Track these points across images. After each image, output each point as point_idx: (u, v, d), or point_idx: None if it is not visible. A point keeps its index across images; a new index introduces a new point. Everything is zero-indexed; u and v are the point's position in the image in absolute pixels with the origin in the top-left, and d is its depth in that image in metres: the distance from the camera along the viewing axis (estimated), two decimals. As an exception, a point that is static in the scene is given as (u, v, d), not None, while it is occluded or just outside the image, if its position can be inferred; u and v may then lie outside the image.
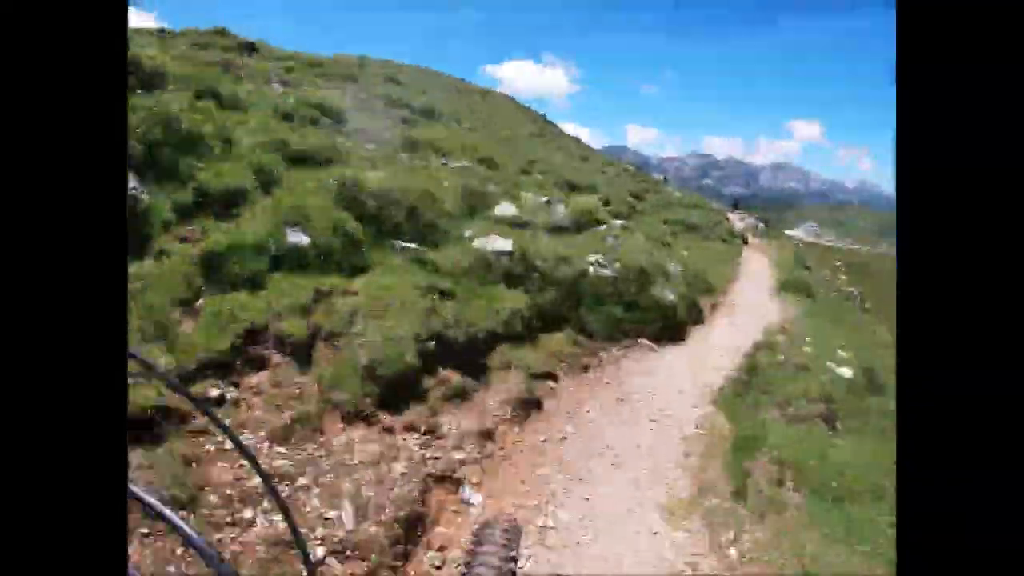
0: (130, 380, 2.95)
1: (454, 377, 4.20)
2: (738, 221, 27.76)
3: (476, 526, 1.43)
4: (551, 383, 4.99)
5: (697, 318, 8.14)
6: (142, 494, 0.63)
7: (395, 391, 3.76)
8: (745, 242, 20.41)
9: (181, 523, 0.62)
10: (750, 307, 10.03)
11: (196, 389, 3.18)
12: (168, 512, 0.62)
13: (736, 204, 36.84)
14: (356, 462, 3.13)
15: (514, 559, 1.28)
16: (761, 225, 30.03)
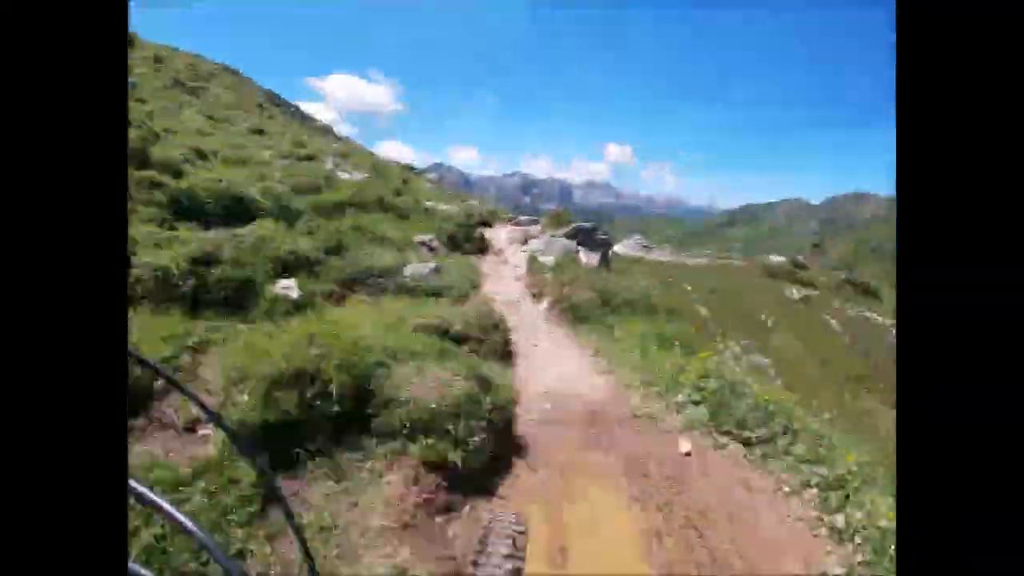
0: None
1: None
2: (509, 245, 11.57)
3: (486, 524, 1.49)
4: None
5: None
6: (144, 490, 0.63)
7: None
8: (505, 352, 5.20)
9: (185, 520, 0.61)
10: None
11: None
12: (172, 509, 0.62)
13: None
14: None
15: (521, 558, 1.34)
16: (573, 247, 11.48)
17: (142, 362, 0.71)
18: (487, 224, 12.26)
